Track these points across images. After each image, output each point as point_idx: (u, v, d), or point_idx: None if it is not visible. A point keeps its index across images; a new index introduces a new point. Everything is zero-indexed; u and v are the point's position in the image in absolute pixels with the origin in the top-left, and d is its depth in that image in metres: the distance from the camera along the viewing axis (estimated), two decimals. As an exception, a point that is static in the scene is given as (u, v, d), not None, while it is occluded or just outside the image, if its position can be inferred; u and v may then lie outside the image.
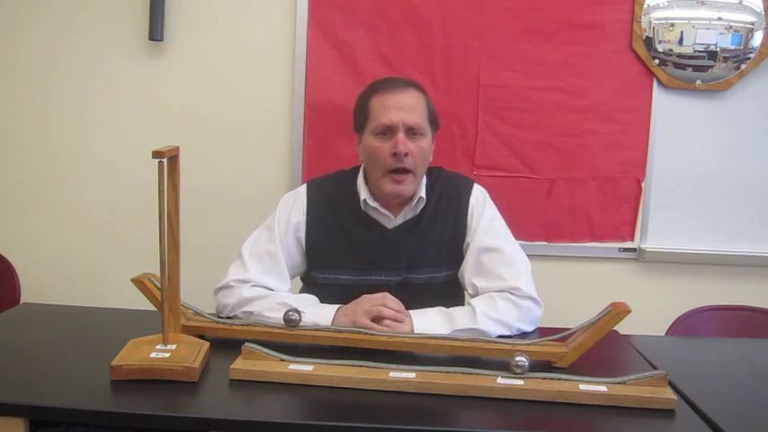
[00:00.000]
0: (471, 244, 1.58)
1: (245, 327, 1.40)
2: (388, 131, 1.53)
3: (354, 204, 1.61)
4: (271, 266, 1.57)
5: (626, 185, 2.40)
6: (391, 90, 1.54)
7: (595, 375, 1.19)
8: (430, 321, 1.44)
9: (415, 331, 1.41)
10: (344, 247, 1.60)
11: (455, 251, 1.61)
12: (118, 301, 1.69)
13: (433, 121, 1.60)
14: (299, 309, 1.42)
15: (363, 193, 1.60)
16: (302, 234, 1.61)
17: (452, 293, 1.61)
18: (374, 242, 1.60)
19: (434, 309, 1.48)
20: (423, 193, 1.60)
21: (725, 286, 2.41)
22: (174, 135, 2.26)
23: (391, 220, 1.61)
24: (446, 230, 1.61)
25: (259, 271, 1.55)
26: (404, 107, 1.52)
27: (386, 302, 1.43)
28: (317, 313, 1.45)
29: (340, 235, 1.61)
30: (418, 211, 1.61)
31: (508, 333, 1.48)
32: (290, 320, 1.36)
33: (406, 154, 1.51)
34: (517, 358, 1.17)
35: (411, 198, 1.60)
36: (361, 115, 1.59)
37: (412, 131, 1.53)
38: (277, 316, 1.41)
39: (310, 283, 1.66)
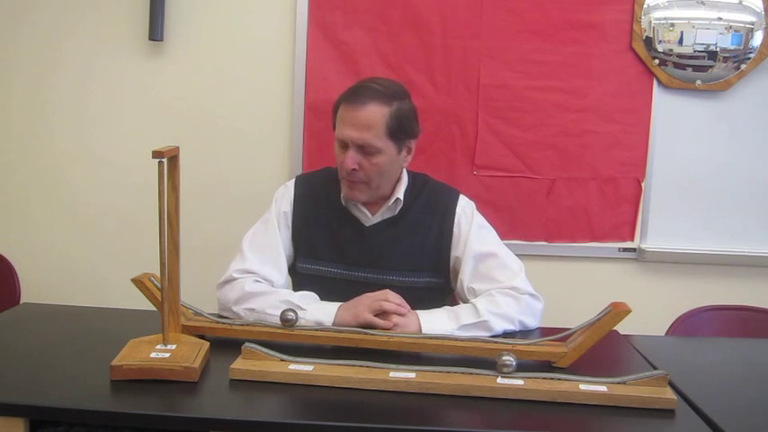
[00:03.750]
0: (465, 254, 1.61)
1: (245, 327, 1.40)
2: (344, 144, 1.56)
3: (336, 199, 1.65)
4: (270, 257, 1.61)
5: (626, 185, 2.40)
6: (352, 104, 1.54)
7: (595, 375, 1.19)
8: (437, 319, 1.47)
9: (423, 328, 1.43)
10: (325, 240, 1.65)
11: (439, 260, 1.64)
12: (118, 301, 1.69)
13: (400, 132, 1.56)
14: (302, 306, 1.45)
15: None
16: (290, 224, 1.66)
17: (434, 300, 1.61)
18: (353, 238, 1.64)
19: (440, 308, 1.52)
20: (400, 194, 1.63)
21: (725, 286, 2.41)
22: (174, 135, 2.27)
23: (369, 219, 1.64)
24: (429, 237, 1.63)
25: (258, 262, 1.59)
26: (357, 125, 1.53)
27: (387, 297, 1.46)
28: (319, 310, 1.47)
29: (322, 228, 1.65)
30: (397, 211, 1.64)
31: (512, 327, 1.51)
32: (287, 320, 1.37)
33: (354, 169, 1.54)
34: (504, 357, 1.18)
35: (388, 198, 1.63)
36: (333, 119, 1.62)
37: (362, 149, 1.54)
38: (278, 314, 1.42)
39: (295, 275, 1.69)
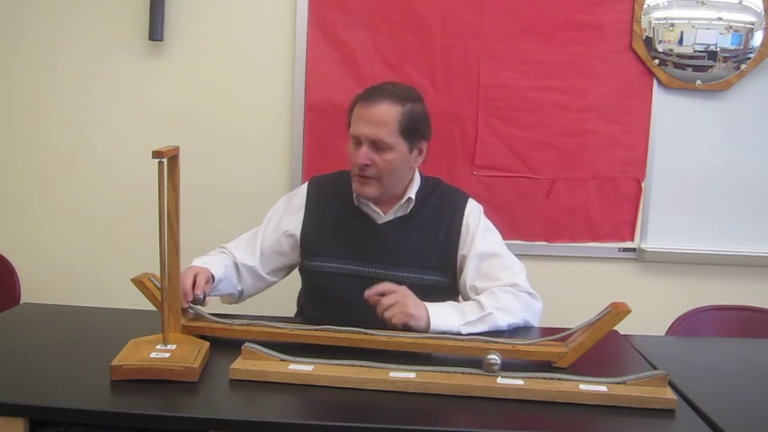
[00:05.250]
0: (469, 253, 1.65)
1: (245, 327, 1.40)
2: (358, 141, 1.61)
3: (349, 199, 1.70)
4: (252, 244, 1.71)
5: (626, 185, 2.40)
6: (367, 102, 1.61)
7: (595, 375, 1.19)
8: (444, 313, 1.50)
9: (432, 322, 1.46)
10: (336, 237, 1.69)
11: (446, 258, 1.67)
12: (118, 301, 1.69)
13: (411, 132, 1.62)
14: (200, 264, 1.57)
15: None
16: (298, 227, 1.71)
17: (440, 298, 1.62)
18: (365, 234, 1.68)
19: (446, 303, 1.55)
20: (412, 193, 1.68)
21: (725, 286, 2.41)
22: (174, 135, 2.26)
23: (382, 217, 1.69)
24: (438, 236, 1.67)
25: (240, 248, 1.71)
26: (370, 121, 1.58)
27: (195, 278, 1.49)
28: (200, 261, 1.60)
29: (333, 226, 1.69)
30: (409, 210, 1.68)
31: (516, 321, 1.54)
32: (196, 300, 1.45)
33: (367, 165, 1.59)
34: (490, 356, 1.18)
35: (400, 197, 1.68)
36: (348, 119, 1.68)
37: (375, 145, 1.59)
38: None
39: (306, 272, 1.74)
